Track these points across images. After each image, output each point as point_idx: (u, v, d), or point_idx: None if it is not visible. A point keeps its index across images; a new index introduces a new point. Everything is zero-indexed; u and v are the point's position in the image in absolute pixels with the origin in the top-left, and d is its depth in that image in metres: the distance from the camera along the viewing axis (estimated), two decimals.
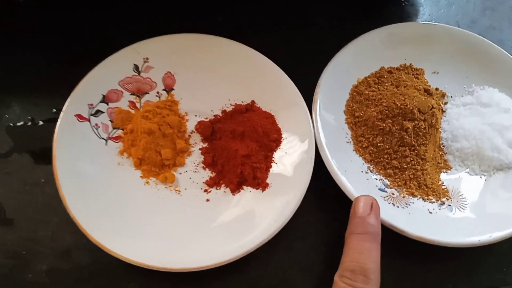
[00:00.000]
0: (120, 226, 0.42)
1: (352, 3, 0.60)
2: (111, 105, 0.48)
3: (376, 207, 0.40)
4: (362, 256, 0.37)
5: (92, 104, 0.47)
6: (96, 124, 0.47)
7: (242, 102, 0.51)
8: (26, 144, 0.49)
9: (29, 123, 0.50)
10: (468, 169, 0.48)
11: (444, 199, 0.46)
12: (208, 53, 0.51)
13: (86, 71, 0.48)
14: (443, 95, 0.52)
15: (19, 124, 0.50)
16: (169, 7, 0.58)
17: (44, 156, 0.48)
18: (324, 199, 0.48)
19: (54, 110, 0.50)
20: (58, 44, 0.55)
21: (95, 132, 0.46)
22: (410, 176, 0.46)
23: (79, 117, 0.46)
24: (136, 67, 0.50)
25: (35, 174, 0.47)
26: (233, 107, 0.50)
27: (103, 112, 0.48)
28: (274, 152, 0.48)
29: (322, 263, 0.45)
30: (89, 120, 0.46)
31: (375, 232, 0.39)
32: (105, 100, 0.48)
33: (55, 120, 0.49)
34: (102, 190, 0.44)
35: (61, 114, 0.45)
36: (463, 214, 0.45)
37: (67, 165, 0.43)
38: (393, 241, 0.44)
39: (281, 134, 0.48)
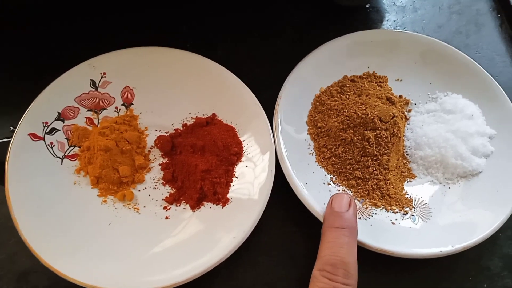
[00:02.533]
0: (76, 248, 0.41)
1: (317, 11, 0.59)
2: (67, 122, 0.47)
3: (354, 205, 0.41)
4: (341, 250, 0.37)
5: (47, 122, 0.46)
6: (51, 143, 0.46)
7: (203, 115, 0.50)
8: None
9: None
10: (431, 178, 0.48)
11: (407, 209, 0.45)
12: (168, 66, 0.50)
13: (44, 88, 0.47)
14: (407, 103, 0.51)
15: None
16: (129, 19, 0.57)
17: (1, 176, 0.46)
18: (288, 212, 0.47)
19: (12, 128, 0.49)
20: (16, 61, 0.54)
21: (50, 151, 0.45)
22: (373, 186, 0.46)
23: (33, 136, 0.45)
24: (93, 83, 0.49)
25: None
26: (194, 120, 0.49)
27: (58, 130, 0.46)
28: (235, 166, 0.47)
29: (286, 277, 0.44)
30: (43, 139, 0.45)
31: (353, 227, 0.39)
32: (60, 117, 0.47)
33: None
34: (57, 211, 0.43)
35: (14, 134, 0.44)
36: (426, 224, 0.44)
37: (20, 186, 0.42)
38: (358, 252, 0.42)
39: (242, 147, 0.47)
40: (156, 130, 0.49)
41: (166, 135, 0.49)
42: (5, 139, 0.49)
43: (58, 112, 0.47)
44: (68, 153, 0.46)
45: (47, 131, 0.46)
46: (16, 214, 0.41)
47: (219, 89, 0.49)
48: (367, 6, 0.60)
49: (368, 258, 0.44)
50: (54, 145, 0.46)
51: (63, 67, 0.48)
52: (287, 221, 0.47)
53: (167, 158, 0.48)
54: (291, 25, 0.59)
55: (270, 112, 0.48)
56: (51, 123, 0.46)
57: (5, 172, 0.42)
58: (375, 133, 0.46)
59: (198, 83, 0.50)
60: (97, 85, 0.49)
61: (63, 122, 0.47)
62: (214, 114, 0.50)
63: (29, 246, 0.40)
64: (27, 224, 0.41)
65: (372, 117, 0.45)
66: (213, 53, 0.51)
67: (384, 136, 0.46)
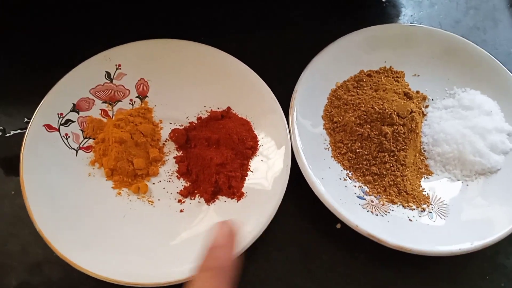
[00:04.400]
0: (90, 240, 0.41)
1: (332, 5, 0.58)
2: (82, 114, 0.47)
3: (232, 237, 0.34)
4: None
5: (62, 114, 0.46)
6: (66, 134, 0.46)
7: (218, 108, 0.49)
8: None
9: (0, 134, 0.49)
10: (449, 174, 0.47)
11: (424, 206, 0.45)
12: (183, 59, 0.50)
13: (59, 79, 0.47)
14: (424, 98, 0.51)
15: None
16: (144, 11, 0.56)
17: (15, 167, 0.46)
18: (303, 207, 0.46)
19: (26, 119, 0.49)
20: (30, 52, 0.53)
21: (64, 142, 0.45)
22: (390, 182, 0.45)
23: (48, 127, 0.45)
24: (108, 75, 0.49)
25: (5, 186, 0.46)
26: (209, 113, 0.49)
27: (73, 122, 0.46)
28: (250, 160, 0.46)
29: (300, 273, 0.44)
30: (58, 130, 0.45)
31: (227, 266, 0.33)
32: (75, 109, 0.47)
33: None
34: (71, 202, 0.43)
35: (29, 125, 0.44)
36: (444, 221, 0.44)
37: (35, 177, 0.42)
38: (373, 248, 0.43)
39: (257, 141, 0.47)
40: (170, 123, 0.49)
41: (180, 128, 0.48)
42: (19, 131, 0.49)
43: (73, 104, 0.47)
44: (83, 144, 0.46)
45: (62, 122, 0.46)
46: (31, 204, 0.40)
47: (235, 82, 0.49)
48: (383, 0, 0.59)
49: (383, 254, 0.43)
50: (69, 137, 0.46)
51: (77, 59, 0.48)
52: (301, 217, 0.46)
53: (181, 151, 0.48)
54: (306, 18, 0.58)
55: (284, 106, 0.47)
56: (66, 115, 0.46)
57: (20, 162, 0.42)
58: (392, 128, 0.45)
59: (213, 76, 0.49)
60: (112, 77, 0.49)
61: (78, 114, 0.47)
62: (229, 108, 0.49)
63: (44, 236, 0.40)
64: (42, 215, 0.40)
65: (390, 112, 0.45)
66: (227, 46, 0.51)
67: (402, 132, 0.45)
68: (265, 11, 0.58)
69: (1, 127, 0.49)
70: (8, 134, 0.49)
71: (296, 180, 0.45)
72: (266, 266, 0.44)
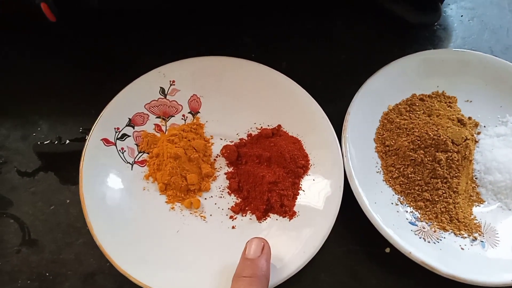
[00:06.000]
0: (144, 253, 0.42)
1: (383, 27, 0.59)
2: (137, 128, 0.48)
3: (267, 250, 0.39)
4: None
5: (118, 128, 0.47)
6: (122, 148, 0.46)
7: (268, 126, 0.50)
8: (52, 163, 0.49)
9: (56, 142, 0.50)
10: (501, 203, 0.47)
11: (476, 235, 0.44)
12: (235, 76, 0.50)
13: (112, 91, 0.48)
14: (476, 125, 0.50)
15: (46, 142, 0.50)
16: (197, 29, 0.57)
17: (70, 176, 0.48)
18: (353, 229, 0.46)
19: (81, 129, 0.50)
20: (86, 64, 0.55)
21: (121, 157, 0.46)
22: (442, 209, 0.45)
23: (106, 141, 0.46)
24: (162, 90, 0.49)
25: (61, 194, 0.47)
26: (259, 131, 0.50)
27: (129, 136, 0.47)
28: (301, 179, 0.47)
29: None
30: (115, 144, 0.46)
31: (262, 275, 0.37)
32: (131, 123, 0.48)
33: (81, 140, 0.49)
34: (127, 216, 0.44)
35: (88, 139, 0.45)
36: (496, 251, 0.43)
37: (93, 191, 0.43)
38: (423, 274, 0.42)
39: (309, 160, 0.47)
40: (221, 139, 0.50)
41: (231, 144, 0.49)
42: (75, 140, 0.50)
43: (129, 118, 0.48)
44: (138, 159, 0.47)
45: (119, 136, 0.47)
46: (90, 217, 0.41)
47: (286, 100, 0.49)
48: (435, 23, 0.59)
49: (432, 280, 0.43)
50: (124, 151, 0.47)
51: (130, 73, 0.49)
52: (351, 239, 0.46)
53: (232, 168, 0.48)
54: (356, 39, 0.58)
55: (335, 126, 0.47)
56: (122, 129, 0.47)
57: (80, 176, 0.43)
58: (446, 155, 0.45)
59: (264, 94, 0.50)
60: (166, 93, 0.50)
61: (133, 128, 0.48)
62: (279, 126, 0.50)
63: (102, 248, 0.40)
64: (100, 226, 0.41)
65: (445, 139, 0.45)
66: (277, 64, 0.51)
67: (456, 159, 0.45)
68: (316, 31, 0.58)
69: (57, 136, 0.50)
70: (64, 143, 0.50)
71: (347, 201, 0.45)
72: (313, 287, 0.44)
